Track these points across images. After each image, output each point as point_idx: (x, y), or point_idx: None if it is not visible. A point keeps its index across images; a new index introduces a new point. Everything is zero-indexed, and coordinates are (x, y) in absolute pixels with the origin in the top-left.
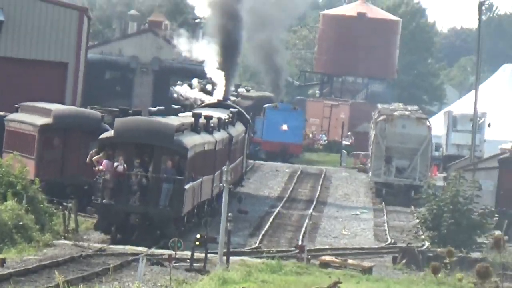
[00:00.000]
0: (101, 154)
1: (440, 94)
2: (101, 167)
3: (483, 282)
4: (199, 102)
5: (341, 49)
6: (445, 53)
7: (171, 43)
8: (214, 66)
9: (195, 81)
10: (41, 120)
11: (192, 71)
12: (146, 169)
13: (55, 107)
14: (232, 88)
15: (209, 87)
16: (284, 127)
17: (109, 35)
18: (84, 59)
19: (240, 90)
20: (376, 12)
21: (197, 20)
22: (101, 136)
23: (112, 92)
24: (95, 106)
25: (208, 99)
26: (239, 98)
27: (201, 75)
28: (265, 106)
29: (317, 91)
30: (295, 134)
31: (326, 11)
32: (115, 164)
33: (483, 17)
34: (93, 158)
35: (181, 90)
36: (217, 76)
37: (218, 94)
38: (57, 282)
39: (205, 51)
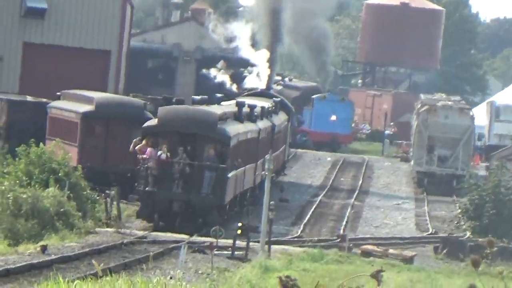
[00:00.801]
0: (143, 143)
1: (483, 85)
2: (144, 156)
3: None
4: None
5: (384, 39)
6: (488, 43)
7: (214, 32)
8: (257, 55)
9: (221, 63)
10: (83, 108)
11: (235, 60)
12: (190, 157)
13: (97, 95)
14: (279, 78)
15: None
16: (333, 117)
17: (152, 23)
18: (127, 47)
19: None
20: (420, 2)
21: (240, 9)
22: (144, 125)
23: (154, 81)
24: (138, 94)
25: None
26: (286, 89)
27: (244, 64)
28: (313, 97)
29: (360, 81)
30: (344, 124)
31: (369, 0)
32: (158, 152)
33: None
34: (137, 147)
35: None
36: (260, 65)
37: (261, 83)
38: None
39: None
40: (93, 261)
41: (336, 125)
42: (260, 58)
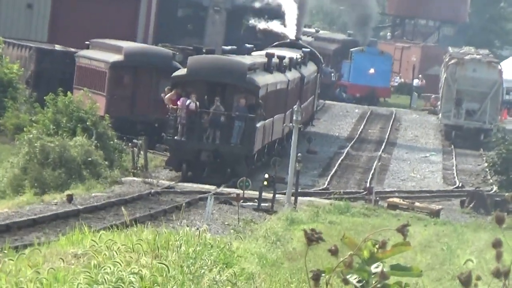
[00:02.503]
0: (172, 92)
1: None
2: (174, 106)
3: None
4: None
5: None
6: None
7: None
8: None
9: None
10: (112, 57)
11: (265, 11)
12: (225, 106)
13: (126, 44)
14: (313, 31)
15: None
16: (371, 70)
17: None
18: None
19: (311, 30)
20: None
21: None
22: (174, 74)
23: (184, 30)
24: (167, 44)
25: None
26: (325, 41)
27: (275, 15)
28: (352, 50)
29: (389, 33)
30: (383, 77)
31: None
32: (187, 101)
33: None
34: (166, 97)
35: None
36: (290, 15)
37: (291, 34)
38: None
39: None
40: (122, 209)
41: (374, 78)
42: (290, 6)
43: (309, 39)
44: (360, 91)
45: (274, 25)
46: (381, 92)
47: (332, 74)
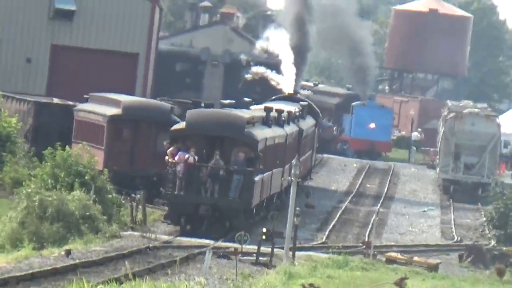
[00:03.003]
0: (172, 148)
1: (510, 92)
2: (175, 159)
3: None
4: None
5: (411, 45)
6: None
7: (243, 36)
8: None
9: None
10: (110, 111)
11: (263, 64)
12: (223, 160)
13: (124, 98)
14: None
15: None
16: (372, 125)
17: (180, 26)
18: (155, 50)
19: (310, 84)
20: (448, 8)
21: (269, 13)
22: (172, 128)
23: (182, 84)
24: (165, 97)
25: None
26: (326, 95)
27: (273, 68)
28: (353, 104)
29: (387, 87)
30: (384, 132)
31: (397, 6)
32: (186, 155)
33: None
34: (168, 151)
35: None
36: (288, 69)
37: (289, 87)
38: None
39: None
40: (126, 263)
41: (375, 133)
42: (288, 61)
43: (309, 93)
44: (361, 146)
45: (273, 76)
46: (382, 147)
47: (334, 129)
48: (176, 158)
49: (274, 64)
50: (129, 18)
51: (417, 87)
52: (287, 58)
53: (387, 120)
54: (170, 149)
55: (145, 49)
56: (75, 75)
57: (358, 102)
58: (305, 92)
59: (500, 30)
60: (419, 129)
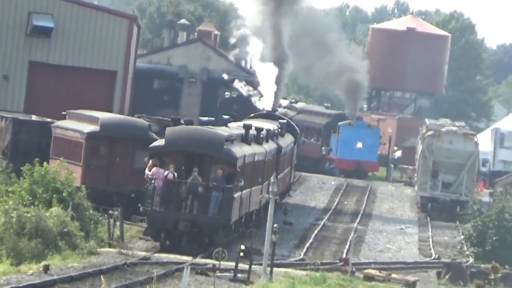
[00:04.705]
0: (150, 163)
1: (487, 111)
2: (149, 173)
3: None
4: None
5: (389, 64)
6: (493, 69)
7: (221, 53)
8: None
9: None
10: (88, 128)
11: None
12: (202, 177)
13: (102, 115)
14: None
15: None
16: (359, 145)
17: (158, 44)
18: (133, 68)
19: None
20: (426, 27)
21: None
22: (152, 144)
23: (159, 102)
24: (143, 115)
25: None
26: (315, 115)
27: (251, 85)
28: (339, 123)
29: (365, 105)
30: (370, 151)
31: (375, 25)
32: (165, 172)
33: None
34: (148, 165)
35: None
36: (266, 86)
37: (267, 105)
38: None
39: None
40: (102, 278)
41: (362, 152)
42: (267, 79)
43: (294, 113)
44: (347, 166)
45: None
46: (368, 166)
47: (323, 148)
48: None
49: (253, 82)
50: (106, 35)
51: (395, 105)
52: (265, 76)
53: (374, 139)
54: (150, 162)
55: (122, 66)
56: (53, 92)
57: (345, 122)
58: (291, 112)
59: (478, 49)
60: (395, 147)
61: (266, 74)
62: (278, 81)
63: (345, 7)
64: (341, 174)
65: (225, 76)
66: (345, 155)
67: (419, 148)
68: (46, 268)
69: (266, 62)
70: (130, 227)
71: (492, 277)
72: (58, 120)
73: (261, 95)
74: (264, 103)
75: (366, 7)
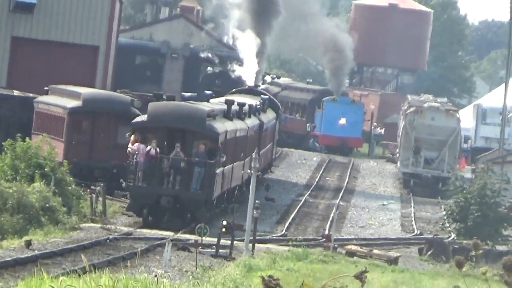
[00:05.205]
0: (132, 138)
1: (469, 87)
2: (130, 149)
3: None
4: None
5: (372, 39)
6: (475, 45)
7: (203, 29)
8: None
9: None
10: (70, 103)
11: (223, 57)
12: (185, 152)
13: (84, 90)
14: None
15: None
16: (343, 121)
17: (140, 19)
18: (115, 43)
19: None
20: (408, 3)
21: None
22: (134, 120)
23: (142, 77)
24: (125, 90)
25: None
26: (299, 91)
27: (233, 60)
28: (324, 99)
29: (347, 80)
30: (354, 127)
31: (358, 1)
32: (148, 147)
33: None
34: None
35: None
36: (248, 62)
37: (250, 81)
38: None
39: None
40: (82, 256)
41: (346, 129)
42: (248, 53)
43: (278, 89)
44: (331, 142)
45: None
46: (352, 142)
47: (308, 125)
48: (133, 149)
49: (234, 58)
50: (89, 11)
51: (377, 81)
52: (247, 51)
53: (358, 116)
54: (132, 138)
55: (105, 41)
56: (35, 68)
57: (329, 97)
58: (275, 88)
59: (460, 25)
60: (375, 123)
61: (248, 47)
62: (260, 55)
63: None
64: (325, 150)
65: (203, 54)
66: (329, 131)
67: (401, 124)
68: (28, 244)
69: (245, 31)
70: (113, 203)
71: (473, 254)
72: (40, 96)
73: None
74: (246, 78)
75: None
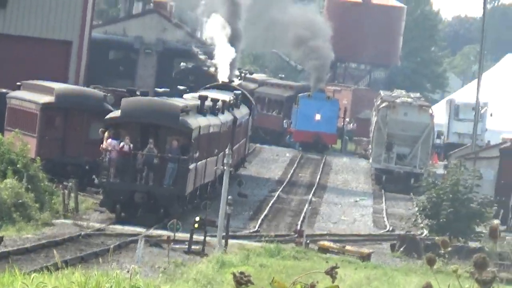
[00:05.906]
0: (105, 134)
1: (442, 82)
2: (103, 145)
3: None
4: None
5: (344, 35)
6: (448, 41)
7: (177, 24)
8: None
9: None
10: (43, 99)
11: (196, 53)
12: (158, 148)
13: (57, 85)
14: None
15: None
16: (317, 116)
17: (114, 14)
18: (88, 38)
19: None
20: None
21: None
22: (107, 116)
23: (115, 72)
24: (98, 86)
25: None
26: (278, 87)
27: (207, 56)
28: (299, 95)
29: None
30: (329, 123)
31: None
32: (121, 143)
33: (488, 6)
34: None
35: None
36: (221, 57)
37: (223, 76)
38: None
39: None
40: (54, 252)
41: (320, 124)
42: (222, 48)
43: (255, 85)
44: (305, 138)
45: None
46: (327, 138)
47: (285, 122)
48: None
49: (207, 53)
50: (62, 6)
51: (349, 76)
52: (221, 46)
53: (333, 112)
54: (106, 135)
55: (78, 37)
56: (7, 63)
57: (304, 94)
58: (252, 84)
59: (433, 20)
60: (347, 119)
61: (218, 34)
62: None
63: None
64: (300, 147)
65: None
66: (303, 127)
67: (374, 120)
68: (0, 240)
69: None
70: (85, 199)
71: (442, 252)
72: (13, 91)
73: (216, 67)
74: (220, 74)
75: None
